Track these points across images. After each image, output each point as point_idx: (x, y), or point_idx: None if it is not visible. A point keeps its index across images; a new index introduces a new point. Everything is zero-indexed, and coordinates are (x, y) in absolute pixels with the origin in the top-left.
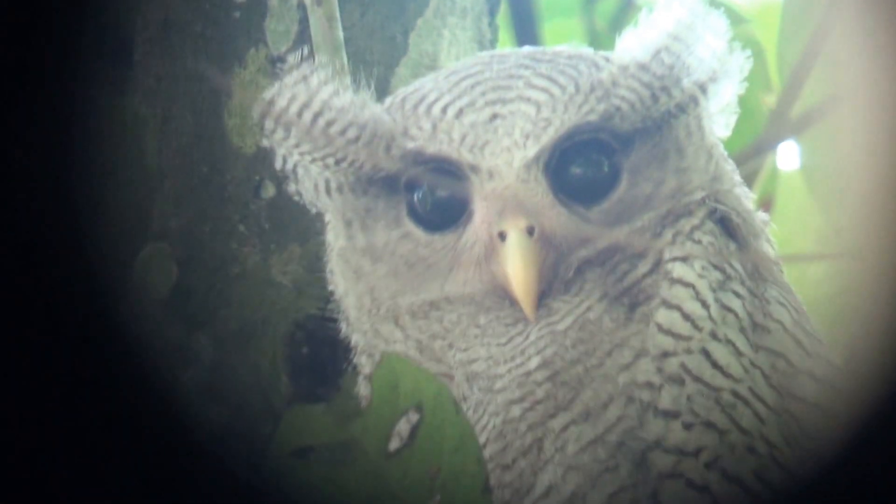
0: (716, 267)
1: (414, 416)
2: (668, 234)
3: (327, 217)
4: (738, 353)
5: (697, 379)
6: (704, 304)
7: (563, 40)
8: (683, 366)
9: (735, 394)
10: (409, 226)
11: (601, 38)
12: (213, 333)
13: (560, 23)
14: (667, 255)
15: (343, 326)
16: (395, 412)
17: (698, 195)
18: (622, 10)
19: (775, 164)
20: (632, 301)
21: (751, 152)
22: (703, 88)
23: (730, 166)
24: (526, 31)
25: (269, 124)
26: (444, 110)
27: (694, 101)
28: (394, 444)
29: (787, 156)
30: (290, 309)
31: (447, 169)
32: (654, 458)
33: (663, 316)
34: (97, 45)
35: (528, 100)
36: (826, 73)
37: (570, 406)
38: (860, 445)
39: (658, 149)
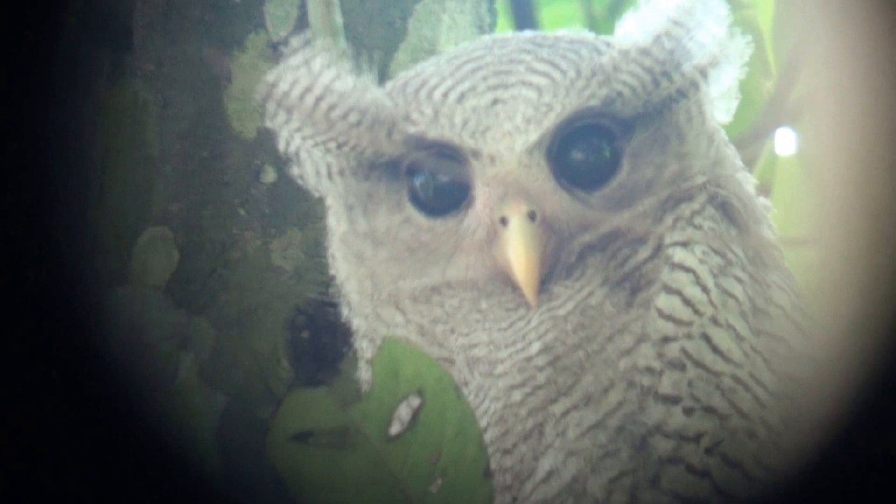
0: (716, 252)
1: (415, 401)
2: (669, 219)
3: (328, 201)
4: (739, 338)
5: (698, 364)
6: (705, 289)
7: (562, 25)
8: (684, 351)
9: (736, 378)
10: (411, 211)
11: (600, 23)
12: (213, 318)
13: (559, 7)
14: (667, 240)
15: (344, 311)
16: (395, 397)
17: (699, 180)
18: None
19: (773, 149)
20: (633, 286)
21: (749, 138)
22: (703, 73)
23: (731, 151)
24: (525, 16)
25: (271, 107)
26: (445, 95)
27: (695, 85)
28: (395, 429)
29: (785, 141)
30: (291, 293)
31: (449, 154)
32: (654, 443)
33: (664, 301)
34: (97, 30)
35: (530, 84)
36: (822, 60)
37: (571, 391)
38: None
39: (659, 133)
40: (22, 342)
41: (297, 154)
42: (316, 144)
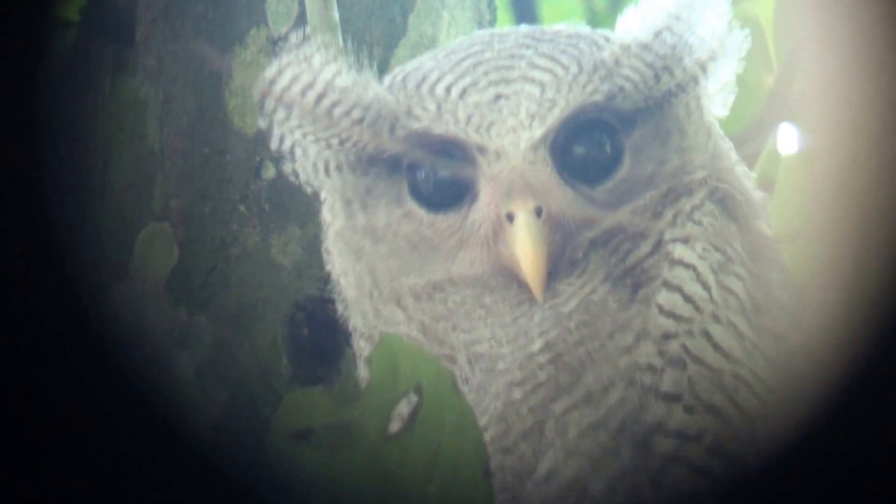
0: (717, 248)
1: (415, 398)
2: (669, 214)
3: (323, 195)
4: (740, 335)
5: (699, 361)
6: (705, 286)
7: (563, 20)
8: (685, 348)
9: (737, 376)
10: (412, 205)
11: (600, 18)
12: (213, 314)
13: (559, 2)
14: (667, 236)
15: (340, 307)
16: (394, 394)
17: (700, 174)
18: None
19: (775, 144)
20: (635, 282)
21: (752, 132)
22: (703, 68)
23: (727, 145)
24: (525, 11)
25: (269, 104)
26: (447, 90)
27: (694, 80)
28: (394, 426)
29: (787, 137)
30: (291, 290)
31: (452, 149)
32: (655, 442)
33: (664, 297)
34: (101, 26)
35: (532, 80)
36: (822, 54)
37: (572, 389)
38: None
39: (660, 128)
40: (21, 338)
41: (291, 150)
42: (316, 141)
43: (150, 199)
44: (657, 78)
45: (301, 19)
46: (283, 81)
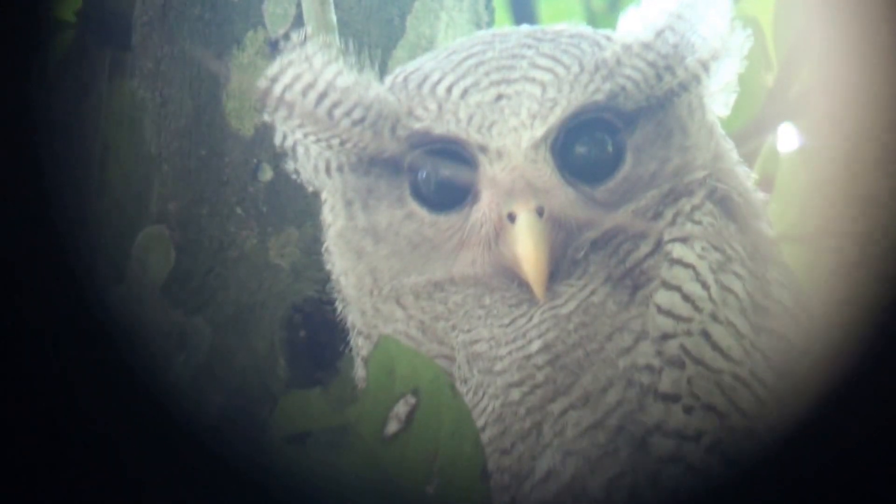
0: (716, 248)
1: (412, 399)
2: (669, 214)
3: (324, 195)
4: (739, 335)
5: (698, 361)
6: (705, 286)
7: (561, 20)
8: (683, 348)
9: (736, 376)
10: (413, 206)
11: (598, 18)
12: (210, 316)
13: (557, 3)
14: (667, 236)
15: (339, 306)
16: (391, 396)
17: (700, 174)
18: None
19: (775, 144)
20: (634, 283)
21: (750, 132)
22: (705, 67)
23: (729, 145)
24: (523, 12)
25: (271, 104)
26: (448, 90)
27: (696, 79)
28: (392, 427)
29: (787, 136)
30: (288, 292)
31: (453, 150)
32: (654, 443)
33: (663, 297)
34: (99, 29)
35: (533, 80)
36: (822, 53)
37: (570, 390)
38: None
39: (662, 127)
40: (19, 340)
41: (293, 149)
42: (317, 141)
43: (148, 202)
44: (659, 77)
45: (298, 21)
46: (285, 81)
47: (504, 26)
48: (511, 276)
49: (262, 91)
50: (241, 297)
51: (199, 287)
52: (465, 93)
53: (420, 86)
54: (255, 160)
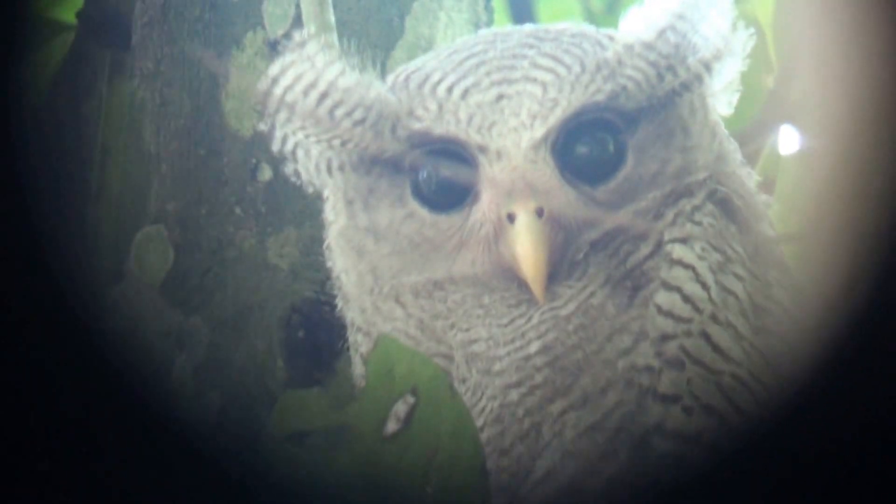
0: (716, 249)
1: (412, 399)
2: (670, 215)
3: (326, 194)
4: (739, 337)
5: (697, 362)
6: (705, 286)
7: (561, 20)
8: (683, 349)
9: (735, 377)
10: (414, 206)
11: (597, 19)
12: (209, 316)
13: (556, 3)
14: (667, 237)
15: (339, 303)
16: (390, 396)
17: (702, 175)
18: None
19: (776, 144)
20: (634, 284)
21: (751, 132)
22: (707, 67)
23: (732, 146)
24: (522, 12)
25: (272, 104)
26: (449, 90)
27: (698, 79)
28: (391, 426)
29: (787, 137)
30: (287, 292)
31: (453, 150)
32: (653, 443)
33: (663, 298)
34: (99, 29)
35: (534, 80)
36: (822, 54)
37: (569, 391)
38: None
39: (663, 127)
40: (18, 340)
41: (293, 151)
42: (318, 141)
43: (147, 202)
44: (660, 77)
45: (297, 22)
46: (286, 80)
47: (506, 26)
48: (511, 277)
49: (263, 91)
50: (240, 297)
51: (197, 287)
52: (465, 93)
53: (421, 86)
54: (253, 160)
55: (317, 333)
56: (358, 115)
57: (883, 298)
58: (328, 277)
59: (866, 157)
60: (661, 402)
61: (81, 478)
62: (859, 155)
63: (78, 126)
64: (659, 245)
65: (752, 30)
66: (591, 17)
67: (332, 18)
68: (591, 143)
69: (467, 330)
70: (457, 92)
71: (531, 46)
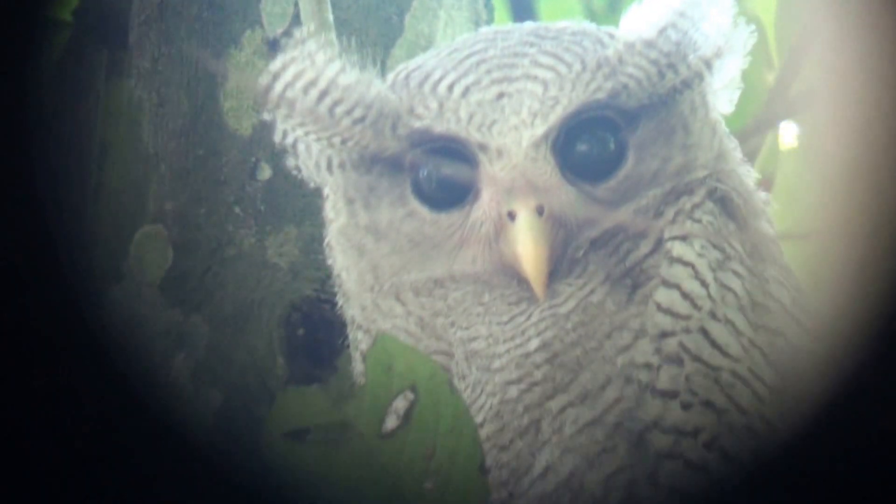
0: (715, 246)
1: (411, 395)
2: (670, 213)
3: (326, 191)
4: (738, 333)
5: (696, 358)
6: (704, 284)
7: (561, 19)
8: (682, 345)
9: (734, 373)
10: (414, 204)
11: (598, 17)
12: (208, 315)
13: (557, 2)
14: (667, 234)
15: (339, 301)
16: (389, 393)
17: (702, 173)
18: None
19: (776, 141)
20: (634, 282)
21: (752, 129)
22: (708, 65)
23: (732, 144)
24: (523, 11)
25: (272, 100)
26: (450, 89)
27: (699, 77)
28: (391, 423)
29: (787, 134)
30: (286, 291)
31: (454, 148)
32: (652, 439)
33: (662, 295)
34: (96, 29)
35: (535, 78)
36: (824, 51)
37: (568, 388)
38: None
39: (664, 125)
40: (17, 340)
41: (294, 146)
42: (318, 139)
43: (145, 202)
44: (661, 75)
45: (296, 21)
46: (287, 77)
47: (506, 24)
48: (511, 274)
49: (263, 88)
50: (239, 295)
51: (196, 286)
52: (466, 91)
53: (421, 84)
54: (252, 159)
55: (316, 332)
56: (358, 113)
57: (883, 295)
58: (328, 276)
59: (866, 155)
60: (659, 399)
61: (80, 476)
62: (859, 152)
63: (75, 125)
64: (659, 243)
65: (752, 27)
66: (591, 15)
67: (331, 17)
68: (592, 142)
69: (467, 327)
70: (457, 90)
71: (532, 44)
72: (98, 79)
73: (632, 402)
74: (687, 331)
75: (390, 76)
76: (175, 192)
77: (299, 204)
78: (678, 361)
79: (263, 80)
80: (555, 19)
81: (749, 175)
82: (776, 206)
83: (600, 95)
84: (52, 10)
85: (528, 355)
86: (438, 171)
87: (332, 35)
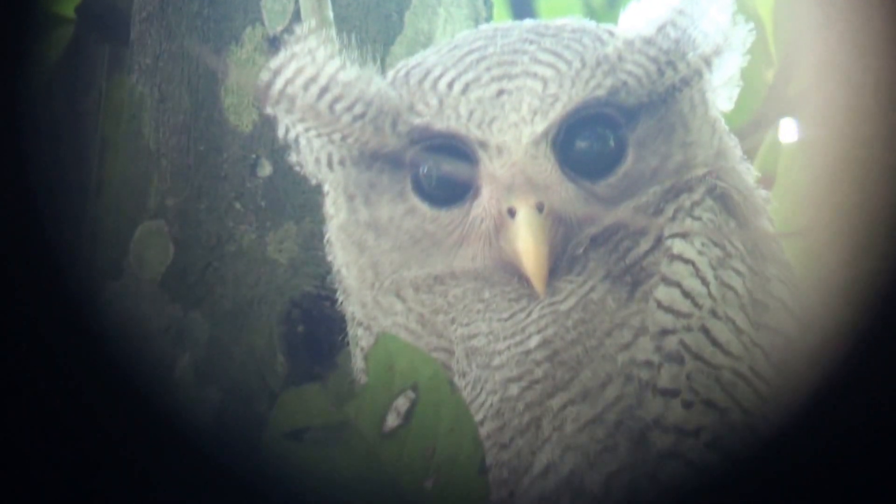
0: (716, 244)
1: (412, 394)
2: (669, 210)
3: (326, 188)
4: (739, 331)
5: (697, 357)
6: (704, 282)
7: (561, 16)
8: (683, 343)
9: (735, 372)
10: (415, 201)
11: (598, 15)
12: (209, 311)
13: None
14: (667, 232)
15: (340, 297)
16: (390, 392)
17: (702, 171)
18: None
19: (775, 138)
20: (634, 280)
21: (751, 127)
22: (707, 62)
23: (732, 141)
24: (522, 8)
25: (272, 97)
26: (449, 86)
27: (698, 74)
28: (391, 421)
29: (787, 131)
30: (286, 287)
31: (454, 145)
32: (653, 438)
33: (663, 293)
34: (98, 25)
35: (535, 75)
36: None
37: (569, 386)
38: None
39: (664, 122)
40: (17, 335)
41: (296, 141)
42: (319, 135)
43: (146, 197)
44: (660, 73)
45: (296, 18)
46: (287, 74)
47: (506, 21)
48: (511, 271)
49: (264, 84)
50: (240, 292)
51: (197, 282)
52: (465, 88)
53: (421, 81)
54: (253, 155)
55: (317, 328)
56: (358, 109)
57: (883, 293)
58: (328, 272)
59: (866, 152)
60: (660, 397)
61: (80, 472)
62: (859, 150)
63: (77, 121)
64: (659, 240)
65: (751, 25)
66: (591, 13)
67: (331, 14)
68: (592, 139)
69: (467, 324)
70: (457, 87)
71: (531, 42)
72: (99, 75)
73: (632, 401)
74: (688, 329)
75: (390, 73)
76: (176, 188)
77: (299, 200)
78: (679, 360)
79: (264, 76)
80: (554, 16)
81: (749, 173)
82: (776, 204)
83: (600, 93)
84: (55, 6)
85: (528, 352)
86: (438, 168)
87: (332, 32)
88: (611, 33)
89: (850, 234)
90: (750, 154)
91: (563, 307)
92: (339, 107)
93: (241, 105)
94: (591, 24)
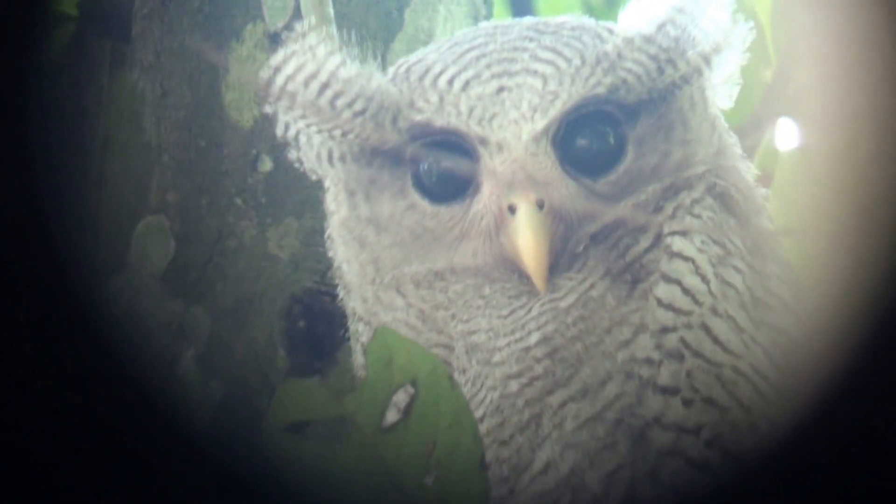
0: (716, 242)
1: (412, 389)
2: (669, 208)
3: (327, 184)
4: (739, 329)
5: (697, 354)
6: (704, 279)
7: (559, 14)
8: (683, 341)
9: (736, 370)
10: (415, 197)
11: (597, 12)
12: (210, 307)
13: None
14: (666, 229)
15: (341, 293)
16: (389, 387)
17: (701, 169)
18: None
19: (773, 139)
20: (634, 277)
21: (750, 126)
22: (707, 60)
23: (732, 139)
24: (522, 6)
25: (273, 93)
26: (450, 82)
27: (698, 72)
28: (391, 416)
29: (785, 131)
30: (287, 283)
31: (454, 142)
32: (653, 436)
33: (663, 290)
34: (100, 21)
35: (535, 73)
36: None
37: (569, 383)
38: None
39: (663, 120)
40: (18, 331)
41: (296, 138)
42: (319, 131)
43: (147, 193)
44: (660, 70)
45: (297, 14)
46: (288, 70)
47: (506, 18)
48: (511, 268)
49: (264, 80)
50: (241, 287)
51: (198, 277)
52: (466, 85)
53: (422, 77)
54: (254, 151)
55: (317, 324)
56: (359, 105)
57: (882, 291)
58: (329, 268)
59: (864, 151)
60: (660, 394)
61: (82, 466)
62: (857, 148)
63: (78, 117)
64: (658, 238)
65: (751, 23)
66: (590, 11)
67: (332, 11)
68: (592, 136)
69: (468, 321)
70: (457, 84)
71: (531, 39)
72: (101, 71)
73: (633, 398)
74: (688, 326)
75: (391, 70)
76: (177, 184)
77: (300, 196)
78: (679, 357)
79: (265, 73)
80: (553, 14)
81: (749, 171)
82: (775, 203)
83: (599, 90)
84: (57, 3)
85: (528, 349)
86: (439, 165)
87: (333, 29)
88: (610, 31)
89: (849, 234)
90: (749, 153)
91: (563, 304)
92: (339, 103)
93: (242, 101)
94: (590, 22)
